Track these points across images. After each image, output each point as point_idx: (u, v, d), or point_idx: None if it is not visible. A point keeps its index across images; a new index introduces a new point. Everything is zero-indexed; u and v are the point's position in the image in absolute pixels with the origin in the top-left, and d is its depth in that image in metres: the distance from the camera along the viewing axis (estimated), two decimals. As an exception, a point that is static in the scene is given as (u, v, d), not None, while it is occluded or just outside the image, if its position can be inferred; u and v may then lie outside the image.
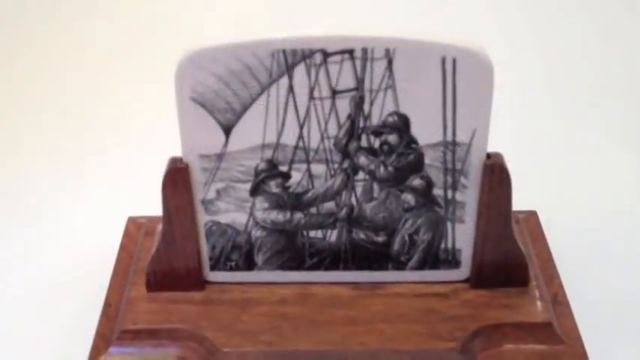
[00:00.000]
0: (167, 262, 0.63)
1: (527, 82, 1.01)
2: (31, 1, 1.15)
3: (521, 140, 0.90)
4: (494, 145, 0.63)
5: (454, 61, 0.56)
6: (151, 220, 0.71)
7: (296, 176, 0.61)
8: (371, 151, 0.61)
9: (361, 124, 0.59)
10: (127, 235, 0.71)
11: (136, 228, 0.71)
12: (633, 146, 0.91)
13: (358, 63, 0.57)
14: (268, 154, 0.60)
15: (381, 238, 0.64)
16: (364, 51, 0.56)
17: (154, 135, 0.90)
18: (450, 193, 0.62)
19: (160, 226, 0.65)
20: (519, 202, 0.67)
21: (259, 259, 0.64)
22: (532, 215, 0.72)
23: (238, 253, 0.64)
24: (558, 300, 0.64)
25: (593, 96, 0.99)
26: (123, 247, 0.70)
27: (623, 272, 0.73)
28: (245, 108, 0.58)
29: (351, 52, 0.56)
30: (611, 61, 1.07)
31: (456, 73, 0.56)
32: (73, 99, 0.99)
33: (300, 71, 0.57)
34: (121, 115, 0.96)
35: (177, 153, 0.61)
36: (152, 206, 0.67)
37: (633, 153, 0.89)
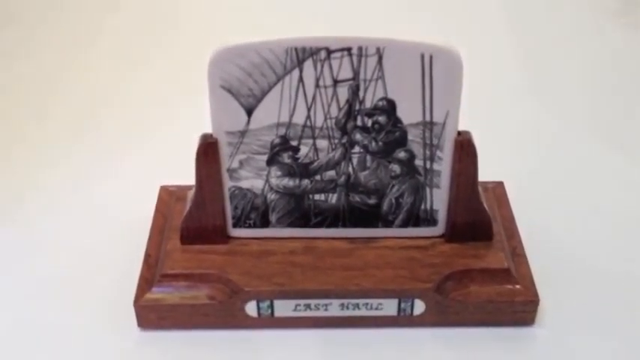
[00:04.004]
0: (198, 220, 0.67)
1: (500, 69, 1.04)
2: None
3: (497, 122, 0.93)
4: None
5: (431, 57, 0.60)
6: (180, 188, 0.75)
7: (304, 149, 0.65)
8: (365, 129, 0.64)
9: (357, 107, 0.63)
10: (161, 200, 0.75)
11: (167, 195, 0.76)
12: (589, 127, 0.93)
13: (355, 58, 0.60)
14: (282, 131, 0.64)
15: (372, 201, 0.68)
16: (360, 49, 0.60)
17: (181, 117, 0.93)
18: (428, 164, 0.66)
19: (190, 192, 0.70)
20: (490, 174, 0.74)
21: (273, 218, 0.68)
22: (499, 185, 0.77)
23: (256, 213, 0.68)
24: (517, 252, 0.69)
25: (559, 87, 1.02)
26: (158, 210, 0.74)
27: (572, 232, 0.77)
28: (264, 94, 0.62)
29: (349, 49, 0.60)
30: (579, 51, 1.09)
31: (433, 66, 0.60)
32: (116, 89, 1.01)
33: (308, 65, 0.61)
34: (157, 101, 0.98)
35: (201, 131, 0.65)
36: (180, 177, 0.74)
37: (590, 133, 0.92)
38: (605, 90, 1.02)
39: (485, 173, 0.69)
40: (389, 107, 0.63)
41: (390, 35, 0.60)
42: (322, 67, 0.61)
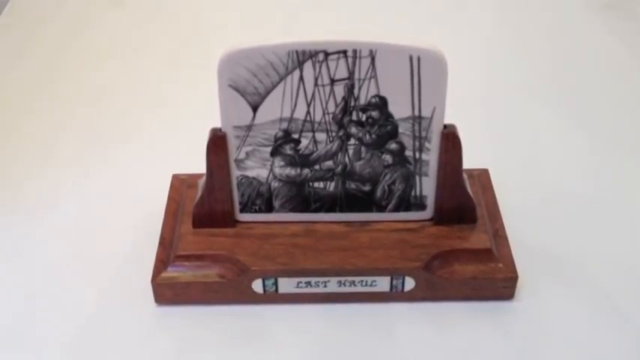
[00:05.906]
0: (208, 206, 0.70)
1: (486, 65, 1.06)
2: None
3: (485, 115, 0.96)
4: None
5: (419, 59, 0.63)
6: (191, 176, 0.77)
7: (304, 142, 0.67)
8: (359, 123, 0.66)
9: (352, 103, 0.65)
10: (173, 188, 0.78)
11: (179, 183, 0.78)
12: (571, 118, 0.95)
13: (350, 60, 0.63)
14: (284, 125, 0.66)
15: (367, 188, 0.70)
16: (354, 51, 0.62)
17: (192, 113, 0.95)
18: (417, 154, 0.68)
19: (200, 180, 0.72)
20: (476, 162, 0.77)
21: (276, 204, 0.70)
22: (484, 172, 0.79)
23: (261, 199, 0.70)
24: (499, 234, 0.72)
25: (545, 80, 1.03)
26: (171, 197, 0.76)
27: (551, 215, 0.80)
28: (268, 92, 0.64)
29: (345, 52, 0.62)
30: (564, 42, 1.10)
31: (420, 67, 0.63)
32: (134, 89, 1.03)
33: (308, 66, 0.63)
34: (170, 98, 1.00)
35: (211, 126, 0.68)
36: (190, 166, 0.77)
37: (571, 123, 0.93)
38: (590, 80, 1.02)
39: (472, 161, 0.73)
40: (381, 103, 0.66)
41: (381, 39, 0.63)
42: (320, 67, 0.64)
